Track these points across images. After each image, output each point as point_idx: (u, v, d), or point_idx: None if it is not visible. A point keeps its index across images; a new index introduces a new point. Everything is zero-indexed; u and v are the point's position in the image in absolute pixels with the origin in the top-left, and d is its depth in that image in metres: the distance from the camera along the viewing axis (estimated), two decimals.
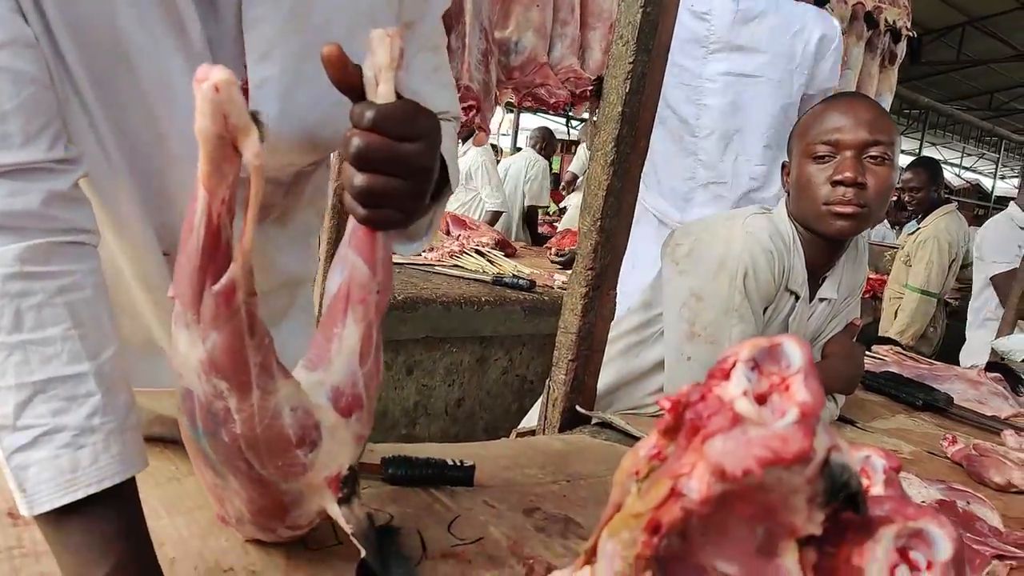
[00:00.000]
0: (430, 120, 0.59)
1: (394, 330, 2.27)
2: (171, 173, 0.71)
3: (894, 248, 4.43)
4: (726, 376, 0.39)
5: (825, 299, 1.42)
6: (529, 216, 5.22)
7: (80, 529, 0.57)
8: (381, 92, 0.55)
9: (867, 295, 4.07)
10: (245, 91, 0.67)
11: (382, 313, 0.65)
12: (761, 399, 0.38)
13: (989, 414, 1.78)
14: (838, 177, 1.25)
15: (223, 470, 0.64)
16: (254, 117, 0.49)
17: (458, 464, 0.95)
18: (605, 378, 1.43)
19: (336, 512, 0.65)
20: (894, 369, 2.02)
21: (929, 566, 0.40)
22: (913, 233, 3.73)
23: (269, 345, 0.59)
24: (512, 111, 6.94)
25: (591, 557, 0.50)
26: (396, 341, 2.32)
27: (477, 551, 0.80)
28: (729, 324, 1.30)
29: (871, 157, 1.25)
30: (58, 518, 0.57)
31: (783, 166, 1.42)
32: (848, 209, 1.25)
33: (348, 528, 0.65)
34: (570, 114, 7.72)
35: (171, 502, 0.78)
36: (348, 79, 0.56)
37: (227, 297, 0.54)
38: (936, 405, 1.77)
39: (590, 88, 2.81)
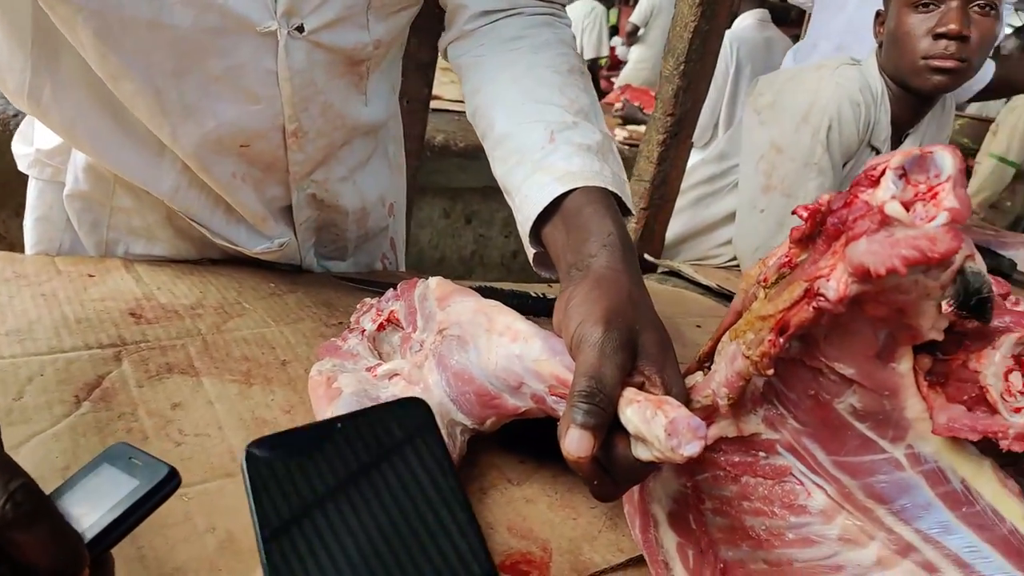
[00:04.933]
0: None
1: (453, 178, 2.28)
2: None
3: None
4: (874, 183, 0.40)
5: None
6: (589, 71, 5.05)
7: None
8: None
9: None
10: None
11: None
12: (906, 207, 0.40)
13: None
14: (942, 29, 1.18)
15: None
16: None
17: (541, 296, 0.99)
18: (674, 228, 1.44)
19: None
20: None
21: None
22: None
23: None
24: None
25: (702, 363, 0.53)
26: (455, 189, 2.34)
27: None
28: (807, 177, 1.28)
29: (978, 7, 1.18)
30: None
31: (877, 15, 1.35)
32: (949, 64, 1.20)
33: None
34: None
35: (276, 314, 0.83)
36: None
37: None
38: (1000, 270, 1.75)
39: None
